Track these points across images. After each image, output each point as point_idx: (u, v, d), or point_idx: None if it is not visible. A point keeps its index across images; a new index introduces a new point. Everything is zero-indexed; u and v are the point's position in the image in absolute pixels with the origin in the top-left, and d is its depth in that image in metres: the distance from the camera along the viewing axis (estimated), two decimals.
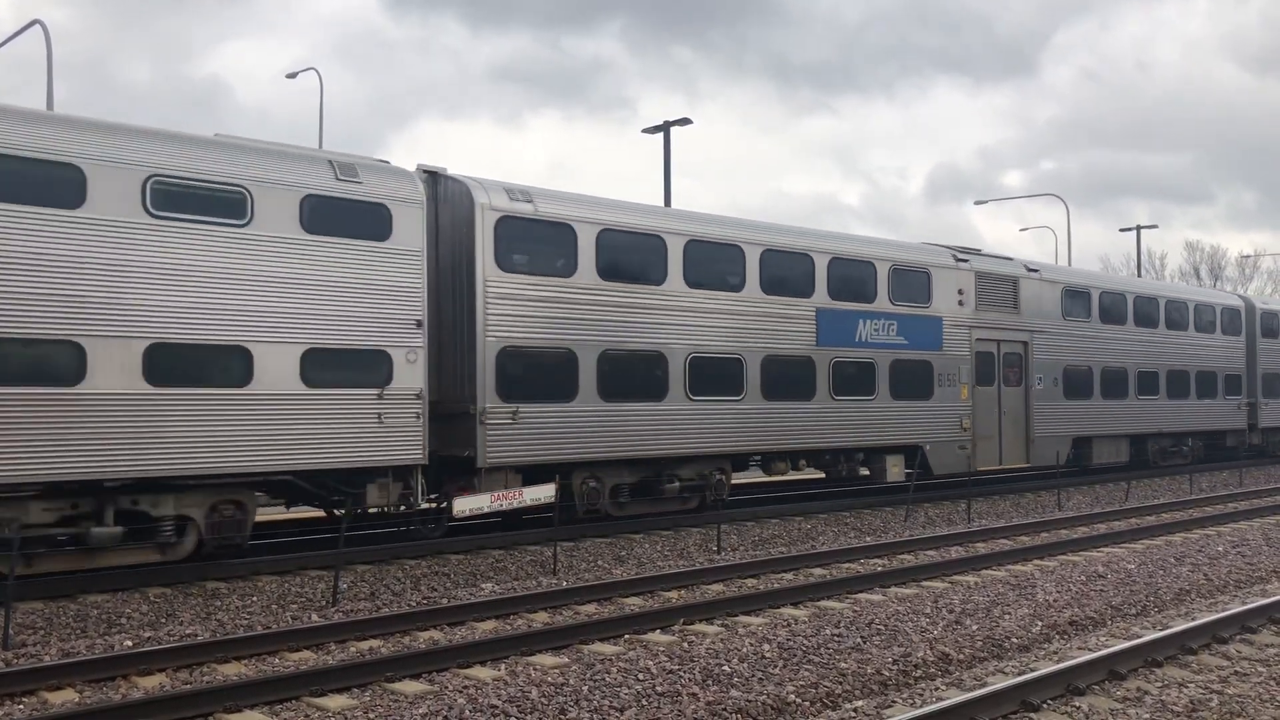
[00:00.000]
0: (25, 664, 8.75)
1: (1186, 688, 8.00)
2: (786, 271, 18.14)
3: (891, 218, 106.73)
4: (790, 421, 18.04)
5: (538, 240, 15.31)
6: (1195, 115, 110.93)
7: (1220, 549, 14.94)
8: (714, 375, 17.00)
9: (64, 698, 8.04)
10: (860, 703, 7.93)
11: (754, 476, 22.14)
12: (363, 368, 13.20)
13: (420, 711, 7.51)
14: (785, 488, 22.64)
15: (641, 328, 16.22)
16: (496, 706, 7.58)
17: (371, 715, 7.53)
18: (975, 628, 10.12)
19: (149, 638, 9.82)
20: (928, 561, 13.76)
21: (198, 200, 12.13)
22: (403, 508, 13.96)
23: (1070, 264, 44.52)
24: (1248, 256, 76.12)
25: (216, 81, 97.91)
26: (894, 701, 7.81)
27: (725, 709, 7.60)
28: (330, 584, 12.14)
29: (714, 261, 17.23)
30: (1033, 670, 8.28)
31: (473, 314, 14.47)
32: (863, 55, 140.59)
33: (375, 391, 13.24)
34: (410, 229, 13.66)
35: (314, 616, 10.80)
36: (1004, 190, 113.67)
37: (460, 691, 7.98)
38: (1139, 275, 52.42)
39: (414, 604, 11.33)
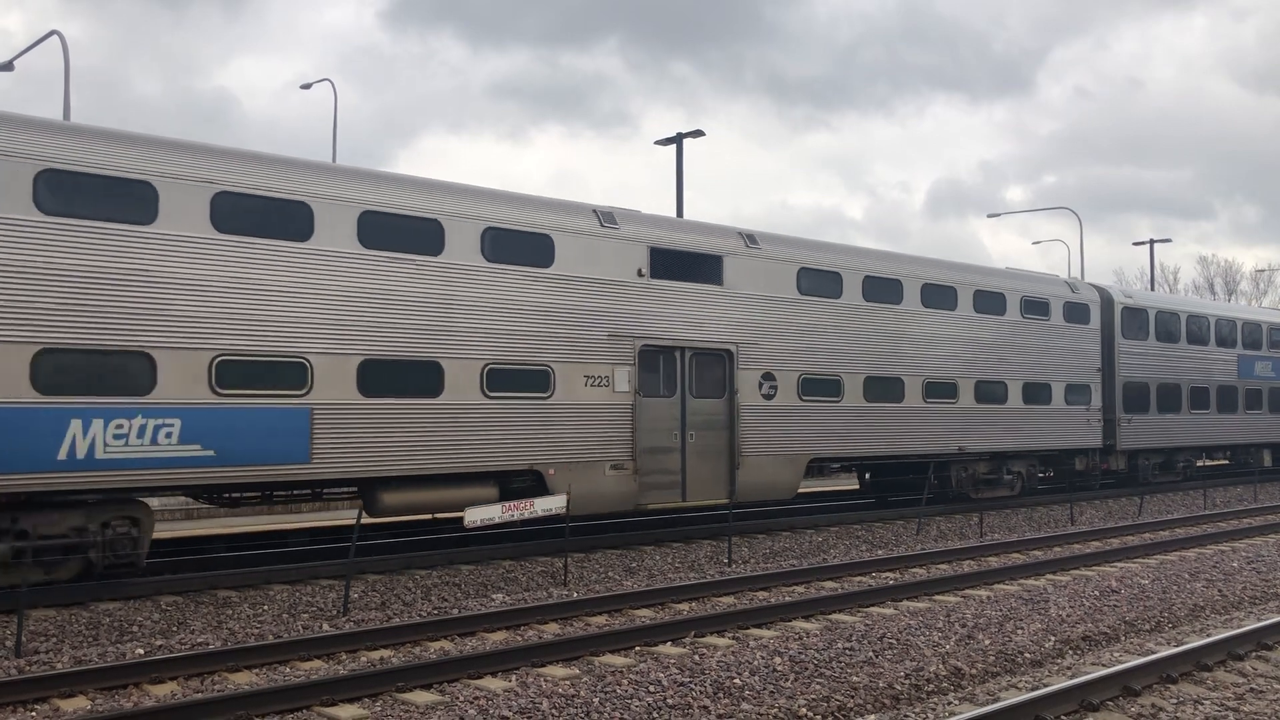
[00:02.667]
0: (38, 671, 8.79)
1: (1202, 705, 7.94)
2: (1225, 333, 29.41)
3: (895, 231, 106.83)
4: (1228, 427, 29.12)
5: (1135, 320, 26.14)
6: (1194, 132, 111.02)
7: (1235, 564, 14.85)
8: (1198, 397, 27.93)
9: (76, 705, 8.06)
10: (872, 717, 7.91)
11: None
12: (1081, 393, 23.99)
13: None
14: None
15: (1171, 370, 26.94)
16: (507, 717, 7.58)
17: None
18: (988, 642, 10.08)
19: (160, 646, 9.85)
20: (939, 575, 13.71)
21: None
22: (1093, 472, 24.78)
23: (1084, 278, 44.78)
24: (1261, 271, 75.88)
25: (224, 95, 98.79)
26: (906, 716, 7.77)
27: None
28: (341, 593, 12.16)
29: (1196, 329, 28.27)
30: (1046, 685, 8.23)
31: (1113, 362, 25.24)
32: (859, 73, 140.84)
33: (1085, 406, 24.10)
34: (1095, 316, 24.71)
35: (325, 626, 10.82)
36: (1006, 204, 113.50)
37: (471, 702, 7.98)
38: (1152, 290, 52.30)
39: (425, 614, 11.34)
